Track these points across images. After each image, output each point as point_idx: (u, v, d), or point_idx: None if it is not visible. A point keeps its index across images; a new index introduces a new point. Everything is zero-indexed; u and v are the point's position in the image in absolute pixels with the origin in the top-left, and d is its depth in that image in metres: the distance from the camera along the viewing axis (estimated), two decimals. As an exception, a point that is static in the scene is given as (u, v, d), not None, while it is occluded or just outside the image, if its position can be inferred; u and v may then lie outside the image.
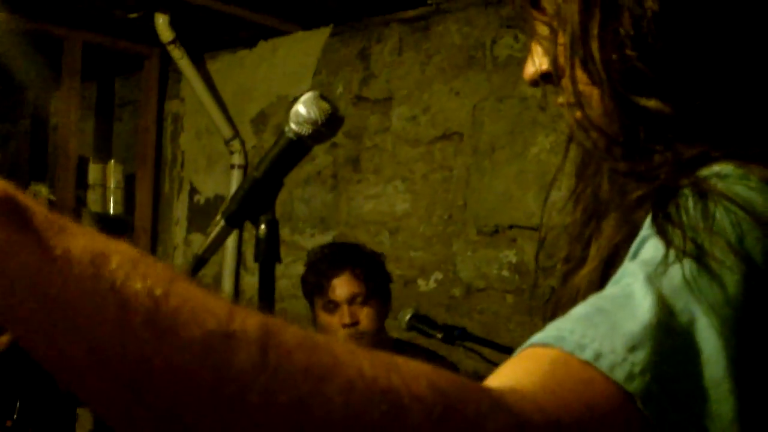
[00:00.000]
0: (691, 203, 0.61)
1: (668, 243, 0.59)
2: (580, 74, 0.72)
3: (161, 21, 3.73)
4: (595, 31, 0.70)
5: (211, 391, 0.46)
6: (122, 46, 4.07)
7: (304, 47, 3.79)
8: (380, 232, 3.48)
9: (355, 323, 2.38)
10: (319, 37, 3.75)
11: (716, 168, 0.63)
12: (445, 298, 3.25)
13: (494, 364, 0.59)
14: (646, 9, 0.67)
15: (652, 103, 0.67)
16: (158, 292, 0.47)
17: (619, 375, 0.54)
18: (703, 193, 0.61)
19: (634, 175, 0.68)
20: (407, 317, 2.31)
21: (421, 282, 3.34)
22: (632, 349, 0.54)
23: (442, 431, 0.48)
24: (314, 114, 1.40)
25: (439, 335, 2.28)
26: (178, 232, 4.26)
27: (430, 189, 3.38)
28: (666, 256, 0.59)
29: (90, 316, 0.46)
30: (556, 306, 0.76)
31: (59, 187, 4.00)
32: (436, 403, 0.49)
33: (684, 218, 0.60)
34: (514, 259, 3.11)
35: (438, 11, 3.38)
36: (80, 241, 0.48)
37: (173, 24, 3.75)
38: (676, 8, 0.67)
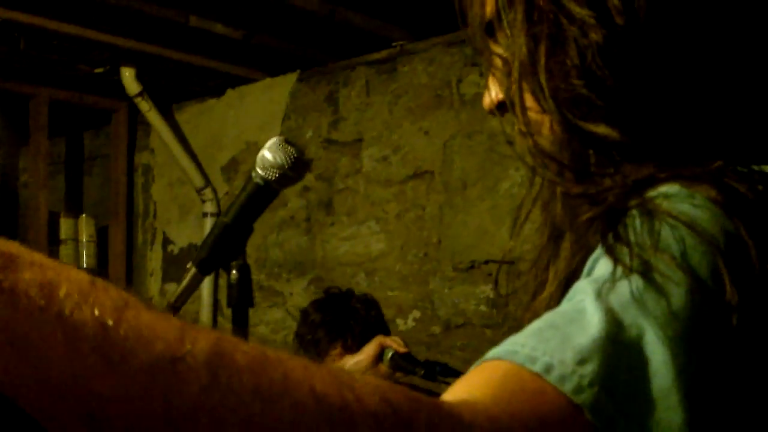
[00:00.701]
0: (638, 222, 0.63)
1: (616, 260, 0.61)
2: (531, 103, 0.74)
3: (127, 74, 3.74)
4: (542, 62, 0.72)
5: (163, 416, 0.46)
6: (89, 101, 4.07)
7: (272, 94, 3.82)
8: (357, 274, 3.48)
9: None
10: (286, 83, 3.77)
11: (663, 188, 0.65)
12: (424, 336, 3.26)
13: None
14: (591, 40, 0.69)
15: (600, 129, 0.69)
16: (108, 319, 0.47)
17: (569, 387, 0.55)
18: (649, 213, 0.63)
19: (585, 197, 0.70)
20: (389, 355, 2.30)
21: (399, 321, 3.34)
22: (581, 362, 0.56)
23: None
24: (280, 159, 1.41)
25: (421, 372, 2.28)
26: (153, 283, 4.24)
27: (404, 228, 3.39)
28: (614, 272, 0.60)
29: (39, 347, 0.46)
30: (518, 331, 0.78)
31: (31, 244, 3.91)
32: (386, 417, 0.49)
33: (631, 237, 0.62)
34: (491, 294, 3.12)
35: (403, 52, 3.42)
36: (29, 273, 0.48)
37: (139, 77, 3.76)
38: (619, 39, 0.69)
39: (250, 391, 0.48)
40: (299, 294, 3.69)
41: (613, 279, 0.60)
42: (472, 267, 3.20)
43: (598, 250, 0.64)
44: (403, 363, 2.28)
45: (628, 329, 0.57)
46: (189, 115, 4.11)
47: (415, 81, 3.39)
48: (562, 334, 0.58)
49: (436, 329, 3.24)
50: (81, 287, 0.48)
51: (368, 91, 3.53)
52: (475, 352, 3.12)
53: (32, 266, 0.48)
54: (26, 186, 4.24)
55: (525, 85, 0.74)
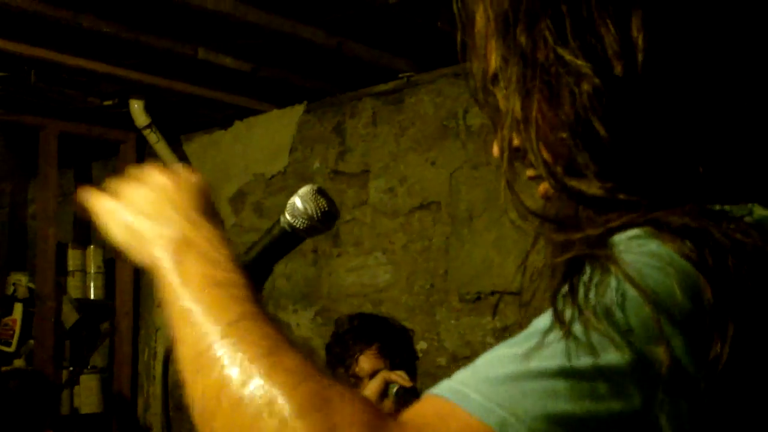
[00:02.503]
0: (589, 277, 0.64)
1: (557, 317, 0.63)
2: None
3: (136, 106, 3.77)
4: (533, 117, 0.73)
5: None
6: (98, 133, 4.10)
7: (279, 125, 3.84)
8: (363, 305, 3.48)
9: None
10: (294, 114, 3.79)
11: (630, 232, 0.67)
12: (431, 368, 3.25)
13: None
14: (584, 91, 0.70)
15: (588, 188, 0.70)
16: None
17: (478, 412, 0.60)
18: (605, 269, 0.64)
19: (568, 245, 0.71)
20: (393, 390, 2.29)
21: (406, 352, 3.33)
22: (526, 413, 0.60)
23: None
24: (311, 210, 1.42)
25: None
26: (160, 314, 4.24)
27: (410, 259, 3.39)
28: (555, 327, 0.63)
29: None
30: None
31: (39, 275, 3.98)
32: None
33: (578, 292, 0.64)
34: (497, 325, 3.11)
35: (409, 84, 3.44)
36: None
37: (148, 109, 3.79)
38: (615, 88, 0.70)
39: None
40: (306, 325, 3.69)
41: (552, 331, 0.63)
42: (478, 298, 3.19)
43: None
44: (409, 398, 2.27)
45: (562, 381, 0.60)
46: (197, 146, 4.13)
47: (422, 112, 3.41)
48: (510, 382, 0.61)
49: (443, 360, 3.24)
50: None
51: (375, 122, 3.55)
52: (482, 384, 3.12)
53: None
54: (35, 217, 4.27)
55: (521, 142, 0.75)
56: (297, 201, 1.44)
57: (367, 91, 3.56)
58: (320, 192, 1.46)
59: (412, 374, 2.47)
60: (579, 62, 0.70)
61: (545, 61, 0.72)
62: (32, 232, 4.46)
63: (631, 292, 0.61)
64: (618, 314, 0.61)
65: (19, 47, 3.13)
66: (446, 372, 2.68)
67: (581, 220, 0.71)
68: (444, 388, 0.63)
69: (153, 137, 3.89)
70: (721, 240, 0.64)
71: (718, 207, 0.67)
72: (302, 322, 3.70)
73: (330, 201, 1.46)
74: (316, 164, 3.70)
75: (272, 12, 2.91)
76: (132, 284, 4.22)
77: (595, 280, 0.63)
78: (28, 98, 3.67)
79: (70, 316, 4.18)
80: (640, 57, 0.69)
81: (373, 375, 2.39)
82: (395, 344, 2.47)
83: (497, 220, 3.15)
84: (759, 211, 0.68)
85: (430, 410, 0.62)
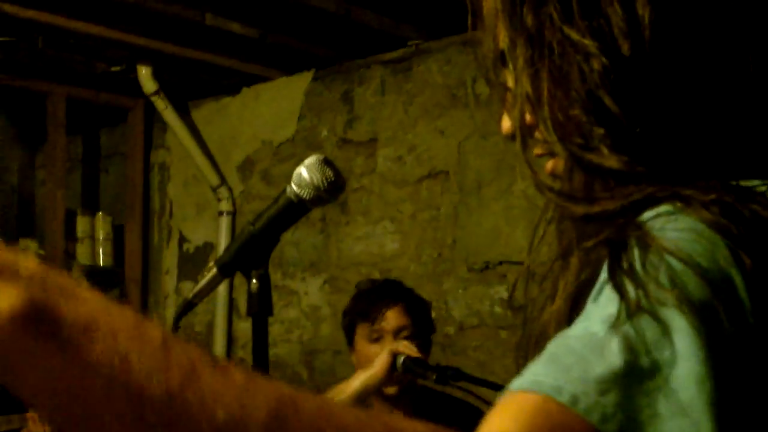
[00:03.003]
0: (636, 255, 0.64)
1: (621, 293, 0.63)
2: (539, 135, 0.76)
3: (144, 72, 3.75)
4: (545, 95, 0.73)
5: None
6: (106, 99, 4.09)
7: (288, 92, 3.82)
8: (371, 273, 3.47)
9: None
10: (302, 81, 3.77)
11: (660, 209, 0.67)
12: (439, 337, 3.24)
13: (490, 404, 0.64)
14: (594, 69, 0.71)
15: (604, 160, 0.71)
16: (175, 387, 0.51)
17: (595, 417, 0.58)
18: (646, 246, 0.64)
19: (588, 219, 0.72)
20: (400, 361, 2.30)
21: (413, 321, 3.33)
22: (603, 392, 0.58)
23: None
24: (317, 180, 1.42)
25: (433, 376, 2.27)
26: (169, 282, 4.25)
27: (418, 228, 3.39)
28: (621, 304, 0.63)
29: (108, 421, 0.51)
30: (528, 342, 0.80)
31: (48, 241, 3.99)
32: None
33: (633, 269, 0.64)
34: (505, 295, 3.11)
35: (418, 52, 3.41)
36: (107, 342, 0.52)
37: (156, 75, 3.78)
38: (623, 65, 0.70)
39: None
40: (314, 293, 3.69)
41: (624, 310, 0.62)
42: (486, 268, 3.19)
43: (604, 276, 0.66)
44: (415, 368, 2.27)
45: (645, 355, 0.60)
46: (205, 113, 4.12)
47: (430, 80, 3.39)
48: (582, 363, 0.60)
49: (451, 330, 3.24)
50: (154, 354, 0.52)
51: (383, 91, 3.53)
52: (489, 353, 3.13)
53: (106, 337, 0.52)
54: (43, 183, 4.27)
55: (532, 119, 0.76)
56: (303, 171, 1.44)
57: (375, 58, 3.53)
58: (326, 162, 1.45)
59: (428, 345, 2.48)
60: (586, 42, 0.71)
61: (553, 41, 0.73)
62: (41, 198, 4.47)
63: (678, 265, 0.62)
64: (681, 290, 0.61)
65: (27, 12, 3.11)
66: (454, 341, 2.68)
67: (597, 194, 0.72)
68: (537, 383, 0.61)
69: (161, 104, 3.88)
70: (750, 215, 0.65)
71: (737, 183, 0.68)
72: (310, 290, 3.70)
73: (336, 171, 1.45)
74: (324, 132, 3.69)
75: (280, -22, 2.89)
76: (140, 251, 4.23)
77: (641, 259, 0.64)
78: (36, 64, 3.66)
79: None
80: (647, 34, 0.70)
81: (398, 332, 2.41)
82: (420, 309, 2.50)
83: (506, 190, 3.13)
84: None
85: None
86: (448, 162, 3.32)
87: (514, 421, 0.58)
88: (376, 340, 2.43)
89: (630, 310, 0.62)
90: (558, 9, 0.72)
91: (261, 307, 1.48)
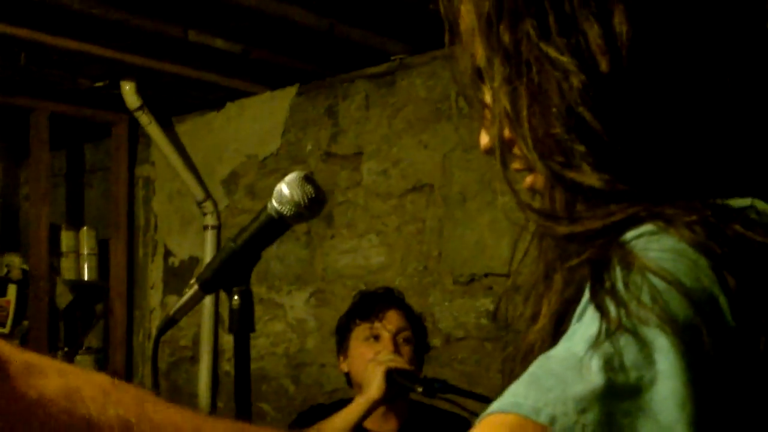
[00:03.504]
0: (618, 275, 0.64)
1: (603, 313, 0.63)
2: (518, 152, 0.76)
3: (128, 88, 3.75)
4: (524, 113, 0.73)
5: None
6: (89, 114, 4.08)
7: (272, 107, 3.83)
8: (357, 287, 3.48)
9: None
10: (286, 96, 3.78)
11: (642, 228, 0.66)
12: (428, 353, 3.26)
13: (476, 415, 0.64)
14: (573, 85, 0.70)
15: (584, 178, 0.70)
16: (132, 417, 0.52)
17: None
18: (628, 265, 0.64)
19: (570, 238, 0.71)
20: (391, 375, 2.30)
21: (400, 334, 3.34)
22: (582, 411, 0.58)
23: None
24: (297, 196, 1.42)
25: (420, 389, 2.28)
26: (154, 296, 4.24)
27: (404, 241, 3.40)
28: (602, 324, 0.62)
29: None
30: (513, 362, 0.79)
31: (32, 257, 3.98)
32: None
33: (614, 289, 0.63)
34: (491, 307, 3.12)
35: (402, 66, 3.43)
36: (54, 381, 0.52)
37: (139, 90, 3.77)
38: (602, 81, 0.70)
39: None
40: (299, 307, 3.69)
41: (604, 329, 0.62)
42: (472, 280, 3.20)
43: (587, 296, 0.66)
44: (402, 380, 2.28)
45: (625, 373, 0.60)
46: (189, 128, 4.12)
47: (414, 94, 3.40)
48: (561, 383, 0.60)
49: (437, 342, 3.24)
50: (104, 389, 0.53)
51: (368, 105, 3.54)
52: (475, 366, 3.14)
53: (57, 373, 0.53)
54: (27, 199, 4.25)
55: (511, 136, 0.75)
56: (284, 188, 1.44)
57: (359, 73, 3.55)
58: (307, 179, 1.45)
59: (421, 356, 2.50)
60: (564, 59, 0.70)
61: (530, 58, 0.72)
62: (25, 213, 4.46)
63: (661, 284, 0.62)
64: (660, 309, 0.61)
65: (9, 29, 3.10)
66: (440, 353, 2.69)
67: (579, 213, 0.71)
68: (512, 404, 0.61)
69: (145, 119, 3.88)
70: (733, 235, 0.64)
71: (719, 201, 0.68)
72: (296, 303, 3.70)
73: (317, 187, 1.45)
74: (309, 146, 3.70)
75: (264, -6, 2.90)
76: (126, 266, 4.22)
77: (623, 278, 0.64)
78: (19, 80, 3.65)
79: (64, 297, 4.18)
80: (624, 50, 0.69)
81: (397, 333, 2.42)
82: (418, 320, 2.53)
83: (490, 203, 3.15)
84: (761, 206, 0.68)
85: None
86: (432, 175, 3.34)
87: None
88: (375, 338, 2.43)
89: (611, 329, 0.61)
90: (535, 26, 0.72)
91: (242, 324, 1.48)
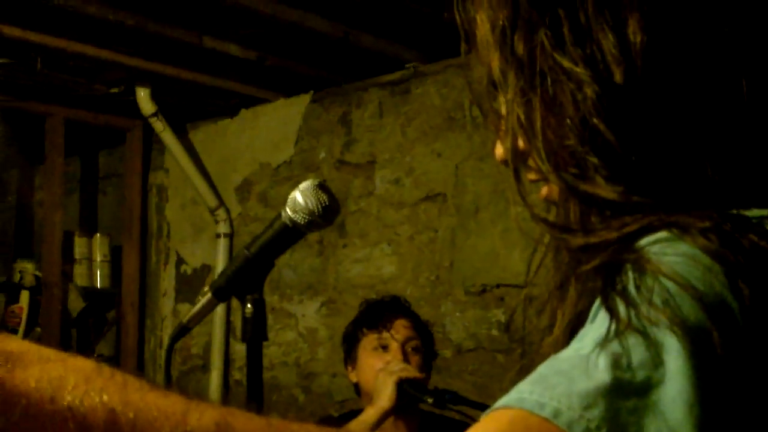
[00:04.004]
0: (631, 278, 0.64)
1: (613, 314, 0.63)
2: (532, 163, 0.76)
3: (142, 94, 3.76)
4: (538, 125, 0.73)
5: None
6: (104, 121, 4.09)
7: (286, 114, 3.82)
8: (368, 296, 3.45)
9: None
10: (300, 103, 3.78)
11: (656, 235, 0.67)
12: (436, 360, 3.23)
13: None
14: (587, 96, 0.70)
15: (599, 190, 0.70)
16: (116, 403, 0.52)
17: (577, 431, 0.58)
18: (641, 269, 0.64)
19: (585, 250, 0.71)
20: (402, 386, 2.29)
21: (411, 344, 3.32)
22: (588, 406, 0.58)
23: None
24: (311, 204, 1.41)
25: (430, 400, 2.26)
26: (166, 303, 4.24)
27: (416, 251, 3.38)
28: (612, 324, 0.62)
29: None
30: (528, 372, 0.80)
31: (45, 263, 3.98)
32: None
33: (626, 291, 0.64)
34: (503, 318, 3.10)
35: (416, 74, 3.42)
36: (37, 370, 0.52)
37: (154, 97, 3.78)
38: (617, 92, 0.69)
39: None
40: (311, 316, 3.68)
41: (613, 329, 0.62)
42: (483, 291, 3.18)
43: (598, 300, 0.66)
44: (413, 391, 2.26)
45: (632, 372, 0.60)
46: (203, 135, 4.12)
47: (428, 103, 3.39)
48: (567, 380, 0.60)
49: (447, 353, 3.22)
50: (87, 376, 0.53)
51: (381, 113, 3.53)
52: (486, 377, 3.11)
53: (38, 361, 0.53)
54: (41, 204, 4.27)
55: (525, 147, 0.75)
56: (298, 196, 1.43)
57: (373, 81, 3.54)
58: (321, 187, 1.45)
59: (429, 365, 2.49)
60: (578, 69, 0.70)
61: (544, 69, 0.72)
62: (39, 219, 4.47)
63: (673, 287, 0.62)
64: (673, 312, 0.61)
65: (26, 34, 3.12)
66: (451, 364, 2.67)
67: (594, 225, 0.71)
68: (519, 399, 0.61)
69: (159, 125, 3.88)
70: (748, 245, 0.64)
71: (735, 211, 0.67)
72: (308, 312, 3.69)
73: (331, 196, 1.45)
74: (322, 154, 3.69)
75: (279, 1, 2.90)
76: (138, 273, 4.22)
77: (635, 281, 0.64)
78: (35, 85, 3.67)
79: (76, 304, 4.18)
80: (639, 60, 0.69)
81: (406, 342, 2.41)
82: (425, 328, 2.53)
83: (503, 213, 3.13)
84: None
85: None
86: (445, 184, 3.32)
87: None
88: (384, 348, 2.41)
89: (620, 329, 0.62)
90: (549, 36, 0.72)
91: (255, 333, 1.47)
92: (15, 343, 0.54)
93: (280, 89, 3.78)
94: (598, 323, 0.64)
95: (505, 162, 0.79)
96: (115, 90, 3.74)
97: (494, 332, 3.13)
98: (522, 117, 0.73)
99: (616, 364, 0.60)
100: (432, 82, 3.38)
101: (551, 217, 0.75)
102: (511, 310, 3.05)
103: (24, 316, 4.06)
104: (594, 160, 0.70)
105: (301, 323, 3.71)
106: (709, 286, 0.62)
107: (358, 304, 3.30)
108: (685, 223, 0.66)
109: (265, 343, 1.51)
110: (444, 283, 3.29)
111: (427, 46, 3.30)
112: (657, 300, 0.62)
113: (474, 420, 2.09)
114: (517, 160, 0.76)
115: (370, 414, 2.26)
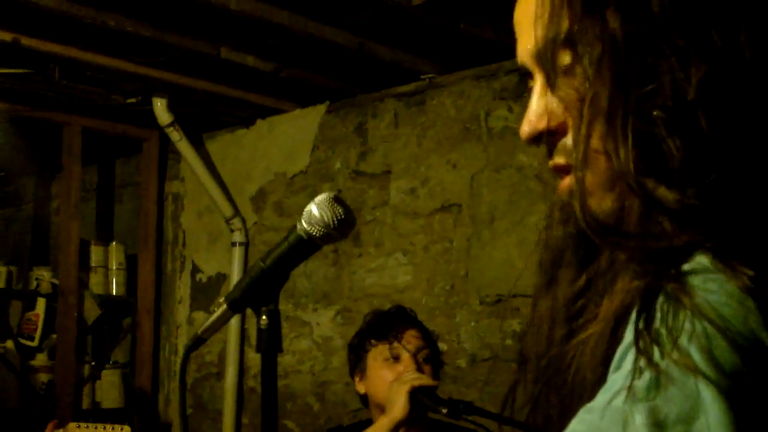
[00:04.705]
0: (666, 311, 0.63)
1: (648, 361, 0.61)
2: (597, 145, 0.70)
3: (159, 104, 3.79)
4: (631, 106, 0.68)
5: None
6: (121, 130, 4.12)
7: (301, 124, 3.84)
8: (383, 305, 3.46)
9: None
10: (316, 114, 3.80)
11: (696, 261, 0.65)
12: (450, 369, 3.24)
13: None
14: (691, 76, 0.66)
15: (668, 195, 0.66)
16: None
17: None
18: (677, 301, 0.63)
19: (634, 255, 0.69)
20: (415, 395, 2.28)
21: (425, 354, 3.32)
22: None
23: None
24: (327, 217, 1.41)
25: (444, 410, 2.25)
26: (182, 311, 4.26)
27: (431, 260, 3.39)
28: (649, 375, 0.61)
29: None
30: (555, 372, 0.79)
31: (62, 271, 4.01)
32: None
33: (661, 334, 0.62)
34: (517, 328, 3.10)
35: (432, 85, 3.43)
36: None
37: (171, 107, 3.81)
38: (721, 76, 0.66)
39: None
40: (326, 324, 3.69)
41: (647, 379, 0.61)
42: (498, 301, 3.18)
43: (629, 338, 0.64)
44: (427, 401, 2.26)
45: (671, 429, 0.59)
46: (219, 145, 4.15)
47: (444, 114, 3.40)
48: None
49: (462, 363, 3.23)
50: None
51: (397, 124, 3.54)
52: (500, 387, 3.10)
53: None
54: (58, 213, 4.30)
55: (596, 127, 0.70)
56: (313, 209, 1.44)
57: (389, 92, 3.56)
58: (337, 200, 1.45)
59: (438, 374, 2.48)
60: (688, 49, 0.66)
61: (642, 46, 0.67)
62: (55, 227, 4.50)
63: (709, 328, 0.61)
64: (703, 354, 0.60)
65: (44, 45, 3.15)
66: (465, 374, 2.66)
67: (651, 230, 0.67)
68: None
69: (176, 135, 3.91)
70: None
71: None
72: (322, 321, 3.70)
73: (347, 209, 1.45)
74: (338, 164, 3.70)
75: (295, 12, 2.91)
76: (153, 281, 4.24)
77: (669, 318, 0.62)
78: (53, 95, 3.70)
79: (92, 311, 4.20)
80: (747, 52, 0.66)
81: (416, 352, 2.40)
82: (431, 336, 2.52)
83: (518, 223, 3.13)
84: None
85: None
86: (461, 195, 3.33)
87: None
88: (395, 359, 2.40)
89: (654, 379, 0.60)
90: (655, 10, 0.67)
91: (270, 344, 1.47)
92: None
93: (297, 100, 3.80)
94: (627, 368, 0.62)
95: (538, 137, 0.75)
96: (132, 100, 3.76)
97: (509, 342, 3.13)
98: (608, 96, 0.68)
99: (653, 420, 0.59)
100: (447, 93, 3.39)
101: (602, 216, 0.71)
102: (527, 320, 3.05)
103: (40, 323, 4.09)
104: (679, 155, 0.65)
105: (316, 332, 3.72)
106: (744, 325, 0.61)
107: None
108: (728, 256, 0.64)
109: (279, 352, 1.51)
110: (459, 292, 3.30)
111: (442, 57, 3.31)
112: (693, 344, 0.61)
113: (487, 430, 2.08)
114: (588, 150, 0.69)
115: (383, 424, 2.25)
